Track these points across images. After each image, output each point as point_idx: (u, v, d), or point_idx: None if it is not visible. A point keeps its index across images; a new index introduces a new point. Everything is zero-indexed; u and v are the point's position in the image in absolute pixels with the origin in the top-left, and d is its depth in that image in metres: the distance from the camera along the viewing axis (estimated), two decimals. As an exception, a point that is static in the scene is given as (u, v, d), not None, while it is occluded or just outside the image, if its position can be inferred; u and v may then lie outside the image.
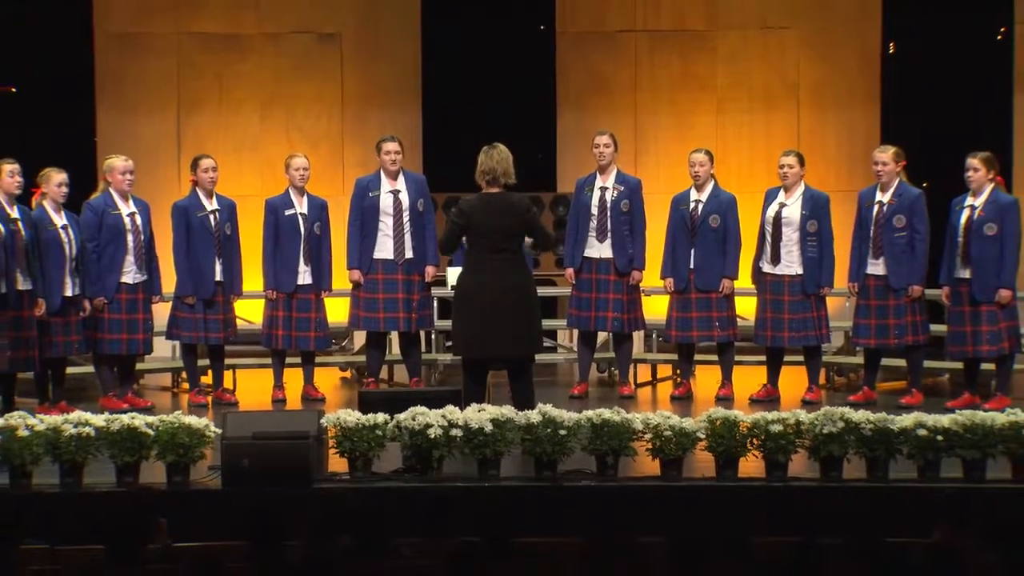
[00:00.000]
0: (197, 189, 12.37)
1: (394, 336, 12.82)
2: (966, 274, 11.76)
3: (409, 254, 12.40)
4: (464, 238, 10.73)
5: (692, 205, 12.43)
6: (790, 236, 12.21)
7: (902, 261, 11.97)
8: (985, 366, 12.00)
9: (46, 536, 8.30)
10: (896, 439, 9.75)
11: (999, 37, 15.09)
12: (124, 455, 9.74)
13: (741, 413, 9.95)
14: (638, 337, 13.15)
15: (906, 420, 9.83)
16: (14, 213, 11.40)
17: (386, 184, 12.43)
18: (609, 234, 12.39)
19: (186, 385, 12.78)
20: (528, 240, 10.79)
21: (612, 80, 15.50)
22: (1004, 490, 9.71)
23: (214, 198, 12.36)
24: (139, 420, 9.85)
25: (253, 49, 15.54)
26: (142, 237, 12.12)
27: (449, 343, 12.45)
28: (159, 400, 12.60)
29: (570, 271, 12.61)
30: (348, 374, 13.63)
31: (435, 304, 12.82)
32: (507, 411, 9.93)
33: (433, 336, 13.37)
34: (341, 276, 12.63)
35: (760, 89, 15.46)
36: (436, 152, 14.57)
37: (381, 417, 9.84)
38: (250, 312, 13.02)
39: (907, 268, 11.97)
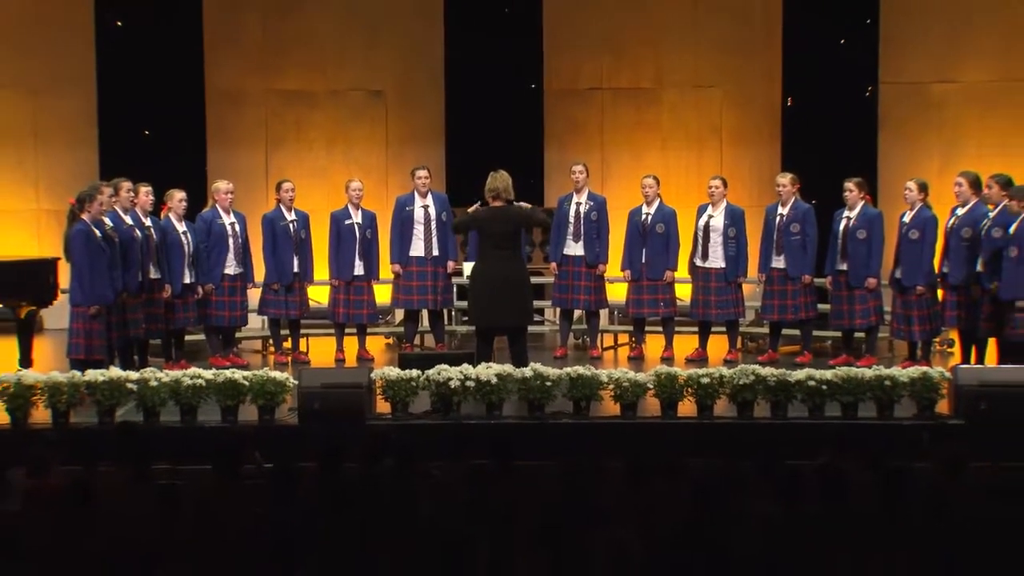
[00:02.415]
0: (280, 205, 12.37)
1: (424, 313, 12.80)
2: (844, 267, 11.79)
3: (435, 253, 12.41)
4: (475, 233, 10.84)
5: (644, 216, 12.41)
6: (716, 239, 12.23)
7: (797, 257, 11.98)
8: (857, 335, 12.00)
9: (170, 458, 8.30)
10: (793, 388, 9.80)
11: (867, 94, 15.06)
12: (227, 400, 9.79)
13: (679, 369, 10.06)
14: (604, 313, 13.12)
15: (800, 374, 9.88)
16: (147, 222, 11.47)
17: (418, 201, 12.44)
18: (582, 237, 12.38)
19: (272, 348, 12.76)
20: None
21: (585, 124, 15.46)
22: (872, 425, 9.76)
23: (292, 211, 12.35)
24: (238, 374, 9.92)
25: (321, 102, 15.50)
26: (239, 240, 12.13)
27: (465, 317, 12.42)
28: (252, 359, 12.59)
29: (553, 265, 12.62)
30: (391, 341, 13.60)
31: (454, 289, 12.81)
32: (507, 368, 10.01)
33: (453, 313, 13.34)
34: (386, 268, 12.62)
35: (694, 132, 15.43)
36: (456, 177, 14.51)
37: (415, 372, 9.89)
38: (319, 295, 12.99)
39: (800, 262, 11.99)
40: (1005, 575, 5.57)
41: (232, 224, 12.12)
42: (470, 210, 11.06)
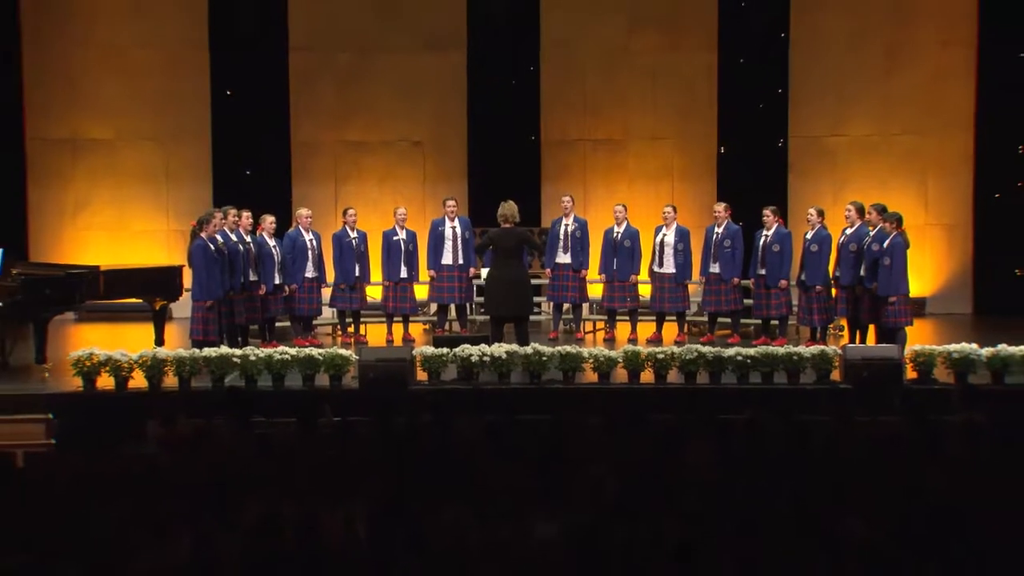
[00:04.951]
0: (345, 226, 12.36)
1: (452, 306, 12.80)
2: (763, 272, 11.82)
3: (460, 261, 12.39)
4: (490, 248, 10.84)
5: (615, 234, 12.41)
6: (668, 252, 12.23)
7: (728, 265, 11.99)
8: (772, 322, 11.98)
9: (264, 412, 8.32)
10: (725, 361, 9.81)
11: (779, 144, 15.06)
12: (306, 370, 9.81)
13: (642, 348, 10.03)
14: (585, 306, 13.11)
15: (731, 351, 9.91)
16: (247, 239, 11.48)
17: (448, 223, 12.42)
18: (569, 249, 12.37)
19: (340, 332, 12.74)
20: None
21: (572, 166, 15.43)
22: (784, 389, 9.75)
23: (355, 231, 12.34)
24: (314, 351, 9.94)
25: (375, 149, 15.48)
26: (316, 252, 12.12)
27: (482, 309, 12.41)
28: (325, 340, 12.58)
29: (548, 271, 12.60)
30: (427, 327, 13.58)
31: (474, 288, 12.80)
32: (513, 347, 9.98)
33: (473, 306, 13.33)
34: (424, 273, 12.61)
35: (652, 171, 15.39)
36: (476, 205, 14.47)
37: (445, 350, 9.89)
38: (374, 292, 12.99)
39: (731, 268, 11.99)
40: (880, 494, 5.59)
41: (310, 240, 12.12)
42: (490, 232, 11.09)
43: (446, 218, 12.49)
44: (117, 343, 10.44)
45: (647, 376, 9.91)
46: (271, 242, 11.81)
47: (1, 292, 10.43)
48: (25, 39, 14.85)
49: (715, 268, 12.07)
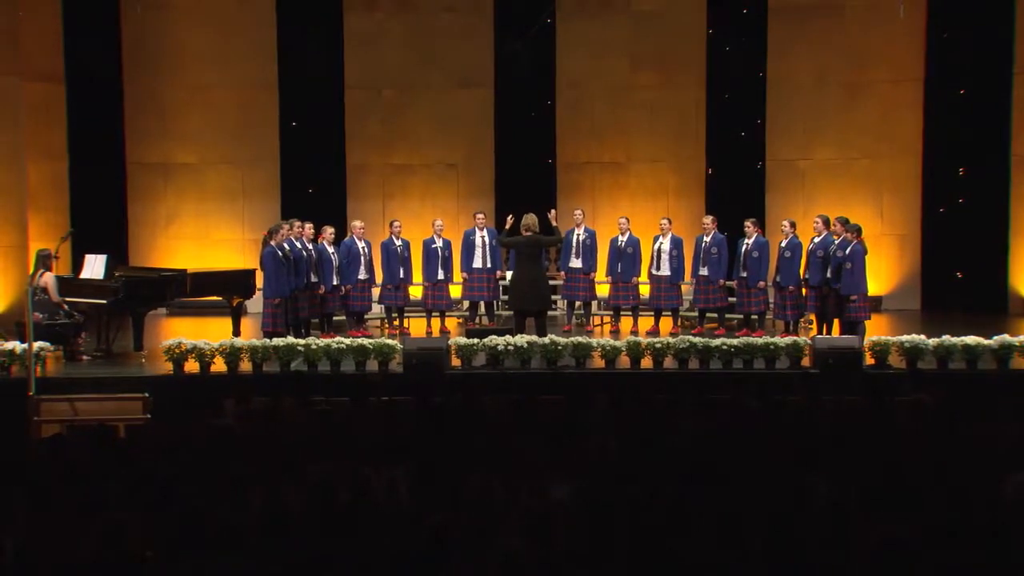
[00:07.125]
0: (392, 235, 12.39)
1: (482, 303, 12.80)
2: (744, 274, 11.78)
3: (489, 265, 12.41)
4: (512, 251, 10.85)
5: (619, 242, 12.39)
6: (664, 257, 12.20)
7: (715, 268, 11.94)
8: (752, 317, 11.93)
9: (323, 393, 8.34)
10: (713, 350, 9.77)
11: (758, 166, 15.01)
12: (358, 357, 9.83)
13: (642, 338, 9.98)
14: (594, 303, 13.08)
15: (717, 341, 9.87)
16: (310, 246, 11.48)
17: (478, 233, 12.44)
18: (580, 255, 12.36)
19: (387, 325, 12.75)
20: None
21: (582, 185, 15.40)
22: (762, 373, 9.71)
23: (400, 239, 12.36)
24: (365, 341, 9.94)
25: (417, 171, 15.48)
26: (367, 258, 12.15)
27: (507, 305, 12.40)
28: (374, 332, 12.57)
29: (562, 273, 12.59)
30: (461, 320, 13.57)
31: (500, 288, 12.79)
32: (533, 337, 9.97)
33: (499, 303, 13.32)
34: (457, 275, 12.62)
35: (651, 188, 15.33)
36: (502, 218, 14.38)
37: (476, 340, 9.88)
38: (416, 291, 13.00)
39: (717, 271, 11.95)
40: (843, 460, 5.56)
41: (363, 247, 12.14)
42: (516, 238, 11.06)
43: (476, 228, 12.50)
44: (201, 334, 10.50)
45: (647, 362, 9.89)
46: (330, 249, 11.84)
47: (106, 291, 10.55)
48: (126, 80, 14.99)
49: (704, 271, 12.03)
